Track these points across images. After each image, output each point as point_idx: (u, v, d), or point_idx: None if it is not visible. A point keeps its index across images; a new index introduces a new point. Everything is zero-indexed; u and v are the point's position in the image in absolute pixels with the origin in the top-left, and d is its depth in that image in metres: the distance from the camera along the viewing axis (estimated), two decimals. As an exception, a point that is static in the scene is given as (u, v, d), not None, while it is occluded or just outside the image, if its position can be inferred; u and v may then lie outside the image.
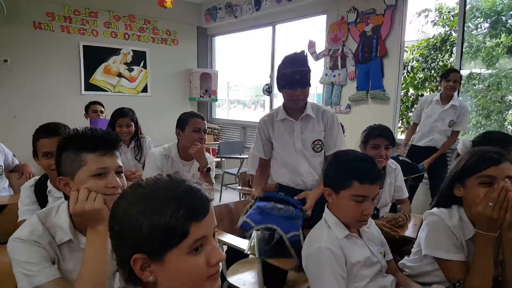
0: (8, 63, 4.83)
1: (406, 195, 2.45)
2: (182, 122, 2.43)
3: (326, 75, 4.94)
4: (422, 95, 5.64)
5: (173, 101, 6.38)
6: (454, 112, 3.61)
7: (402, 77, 4.65)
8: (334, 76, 4.86)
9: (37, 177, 1.82)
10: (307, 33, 5.47)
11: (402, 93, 5.44)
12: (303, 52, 2.01)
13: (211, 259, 0.77)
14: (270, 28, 5.69)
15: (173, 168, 2.43)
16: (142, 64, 6.09)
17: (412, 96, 5.92)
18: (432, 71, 5.52)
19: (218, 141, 6.48)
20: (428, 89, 5.75)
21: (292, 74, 1.92)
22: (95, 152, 1.16)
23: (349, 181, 1.38)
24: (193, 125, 2.37)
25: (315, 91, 5.58)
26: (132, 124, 3.06)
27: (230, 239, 1.99)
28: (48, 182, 1.81)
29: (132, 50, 5.96)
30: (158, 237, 0.72)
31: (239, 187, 3.09)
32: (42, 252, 1.12)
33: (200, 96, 6.51)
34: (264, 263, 1.77)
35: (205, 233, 0.76)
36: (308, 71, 1.96)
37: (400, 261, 1.64)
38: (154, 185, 0.77)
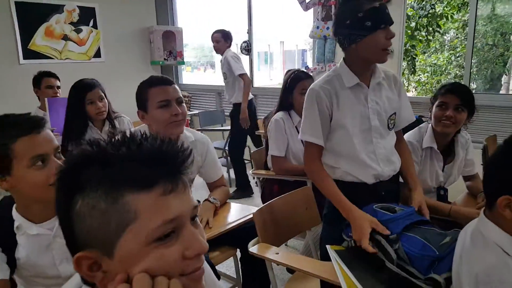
0: None
1: (476, 170, 2.00)
2: (142, 99, 1.63)
3: (318, 27, 4.31)
4: (413, 46, 5.21)
5: (133, 66, 5.47)
6: None
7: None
8: (327, 28, 4.24)
9: None
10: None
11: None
12: None
13: None
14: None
15: None
16: (91, 23, 5.10)
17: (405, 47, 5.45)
18: (424, 19, 5.07)
19: (190, 110, 5.73)
20: (418, 40, 5.32)
21: (382, 8, 1.34)
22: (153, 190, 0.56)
23: None
24: (156, 99, 1.59)
25: (307, 47, 4.96)
26: (105, 96, 2.35)
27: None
28: (14, 210, 1.13)
29: (78, 6, 4.93)
30: None
31: (253, 171, 2.47)
32: None
33: (164, 59, 5.65)
34: None
35: None
36: None
37: None
38: None
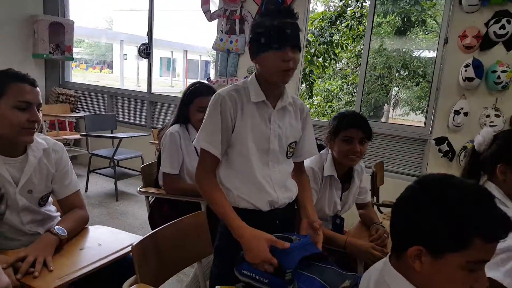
0: None
1: (369, 198, 2.04)
2: None
3: (221, 40, 4.22)
4: (311, 71, 5.44)
5: (10, 58, 4.72)
6: None
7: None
8: (231, 42, 4.18)
9: None
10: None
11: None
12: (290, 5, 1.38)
13: None
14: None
15: None
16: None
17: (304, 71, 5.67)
18: (322, 46, 5.34)
19: (76, 112, 5.15)
20: (316, 66, 5.58)
21: (281, 27, 1.24)
22: None
23: (468, 239, 0.79)
24: (16, 97, 1.32)
25: (210, 58, 4.84)
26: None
27: None
28: None
29: None
30: None
31: (142, 189, 2.20)
32: None
33: (50, 53, 5.00)
34: None
35: None
36: (299, 28, 1.29)
37: None
38: None
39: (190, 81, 2.29)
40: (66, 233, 1.34)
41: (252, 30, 1.31)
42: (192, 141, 2.13)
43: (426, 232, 0.83)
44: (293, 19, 1.28)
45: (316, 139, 2.05)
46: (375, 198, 2.86)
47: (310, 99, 6.04)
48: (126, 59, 14.27)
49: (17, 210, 1.39)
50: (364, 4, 5.34)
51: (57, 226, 1.35)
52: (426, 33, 7.31)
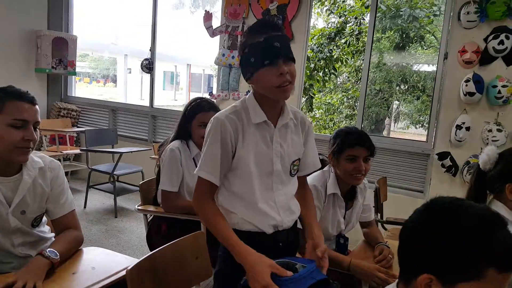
0: None
1: (373, 216, 2.01)
2: None
3: (223, 55, 4.24)
4: (311, 85, 5.46)
5: (12, 72, 4.75)
6: None
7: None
8: (233, 57, 4.20)
9: None
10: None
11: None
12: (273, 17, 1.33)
13: None
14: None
15: None
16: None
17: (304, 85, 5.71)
18: (322, 62, 5.37)
19: (77, 126, 5.16)
20: (316, 80, 5.61)
21: (268, 40, 1.19)
22: None
23: (481, 269, 0.76)
24: (13, 115, 1.30)
25: (213, 72, 4.87)
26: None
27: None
28: None
29: None
30: None
31: (140, 207, 2.17)
32: None
33: (52, 67, 5.03)
34: None
35: None
36: (288, 39, 1.27)
37: None
38: None
39: (193, 95, 2.26)
40: (58, 256, 1.29)
41: (240, 52, 1.26)
42: (193, 158, 2.12)
43: (436, 260, 0.80)
44: (278, 32, 1.24)
45: (319, 154, 2.00)
46: (378, 214, 2.82)
47: (310, 112, 6.06)
48: (130, 73, 14.35)
49: (8, 231, 1.35)
50: (362, 21, 5.41)
51: (49, 249, 1.30)
52: (425, 48, 7.36)
